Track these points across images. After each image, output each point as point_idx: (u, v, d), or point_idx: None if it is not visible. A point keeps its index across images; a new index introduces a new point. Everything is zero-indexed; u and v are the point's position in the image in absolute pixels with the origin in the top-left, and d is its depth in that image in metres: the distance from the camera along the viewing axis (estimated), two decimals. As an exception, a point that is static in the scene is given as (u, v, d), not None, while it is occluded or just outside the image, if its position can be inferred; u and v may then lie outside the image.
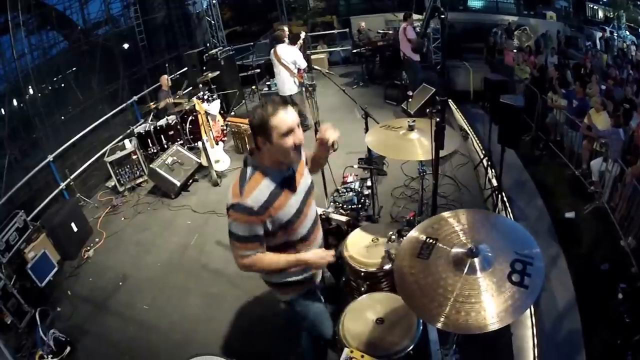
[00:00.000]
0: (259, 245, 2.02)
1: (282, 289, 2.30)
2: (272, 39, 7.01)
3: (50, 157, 6.12)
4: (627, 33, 14.01)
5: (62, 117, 7.77)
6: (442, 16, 2.08)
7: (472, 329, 1.49)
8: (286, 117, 1.89)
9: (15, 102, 7.06)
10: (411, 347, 2.03)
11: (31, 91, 7.22)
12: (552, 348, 3.86)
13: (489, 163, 5.31)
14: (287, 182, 2.04)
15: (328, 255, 2.15)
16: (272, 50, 6.79)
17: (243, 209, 1.91)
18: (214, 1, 11.36)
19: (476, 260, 1.66)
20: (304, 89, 6.71)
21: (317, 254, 2.16)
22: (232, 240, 2.01)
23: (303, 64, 6.76)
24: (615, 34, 13.96)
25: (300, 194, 2.11)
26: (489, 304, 1.53)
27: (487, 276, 1.62)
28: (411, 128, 2.94)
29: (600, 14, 16.40)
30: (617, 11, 14.85)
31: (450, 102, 8.15)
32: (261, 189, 1.94)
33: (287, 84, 6.73)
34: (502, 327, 1.47)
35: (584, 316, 4.22)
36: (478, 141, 6.86)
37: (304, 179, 2.18)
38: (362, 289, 2.55)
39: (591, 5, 16.65)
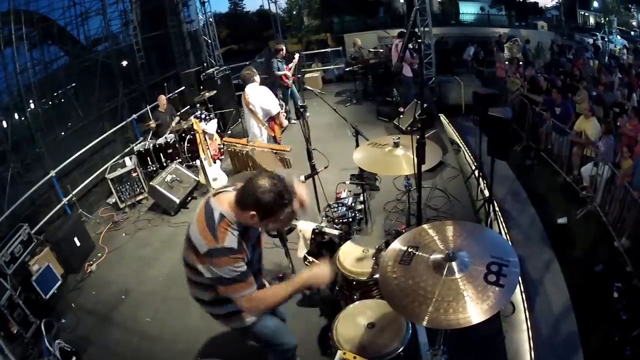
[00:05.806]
0: (253, 282, 2.02)
1: (237, 315, 2.25)
2: (241, 78, 5.94)
3: (52, 173, 6.21)
4: (618, 37, 14.13)
5: (63, 133, 7.93)
6: (419, 40, 2.26)
7: (454, 324, 1.63)
8: (290, 211, 1.98)
9: (17, 116, 7.20)
10: (401, 349, 2.15)
11: (32, 105, 7.38)
12: (548, 349, 3.94)
13: (481, 174, 5.44)
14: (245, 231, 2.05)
15: (327, 267, 2.12)
16: (242, 93, 5.89)
17: (224, 252, 1.92)
18: (210, 20, 11.55)
19: (454, 263, 1.82)
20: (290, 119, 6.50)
21: (317, 271, 2.12)
22: (225, 287, 1.97)
23: (275, 109, 5.77)
24: (607, 39, 14.08)
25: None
26: (469, 301, 1.68)
27: (465, 277, 1.78)
28: (396, 145, 3.07)
29: (592, 20, 16.55)
30: (608, 16, 14.97)
31: (442, 116, 8.35)
32: (231, 233, 1.95)
33: (253, 128, 6.00)
34: (482, 320, 1.61)
35: (580, 317, 4.30)
36: (470, 153, 7.02)
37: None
38: (355, 296, 2.67)
39: (582, 12, 16.84)
